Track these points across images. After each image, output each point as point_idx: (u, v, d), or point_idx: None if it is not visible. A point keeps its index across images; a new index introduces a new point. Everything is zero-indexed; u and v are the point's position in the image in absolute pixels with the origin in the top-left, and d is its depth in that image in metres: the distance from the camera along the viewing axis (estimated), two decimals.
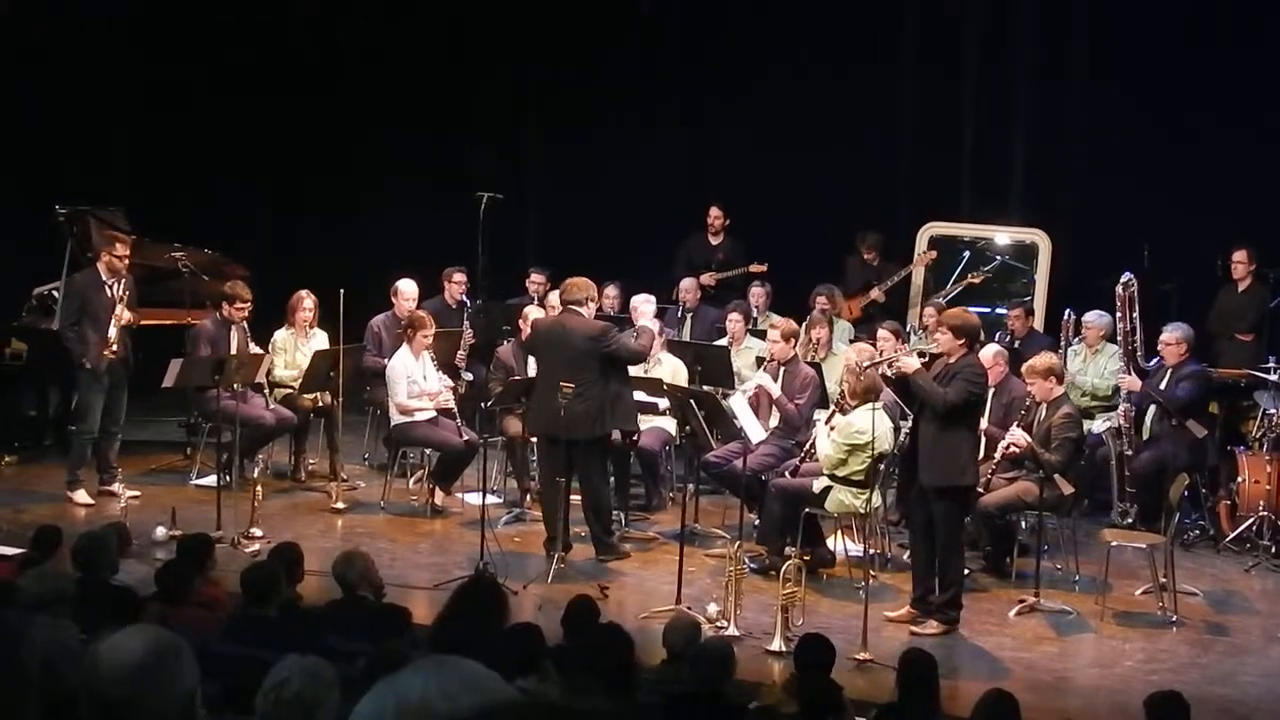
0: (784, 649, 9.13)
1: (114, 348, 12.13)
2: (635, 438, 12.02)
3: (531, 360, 12.18)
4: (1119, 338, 12.48)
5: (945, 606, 9.89)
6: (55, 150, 15.69)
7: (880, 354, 10.89)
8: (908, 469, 10.42)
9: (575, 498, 11.26)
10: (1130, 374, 12.25)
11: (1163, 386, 12.16)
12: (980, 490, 10.81)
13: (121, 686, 3.38)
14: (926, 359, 10.35)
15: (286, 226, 16.69)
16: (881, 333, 12.44)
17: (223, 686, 5.18)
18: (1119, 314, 12.42)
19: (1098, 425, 12.47)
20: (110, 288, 12.24)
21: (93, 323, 12.14)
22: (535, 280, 14.57)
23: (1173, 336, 12.22)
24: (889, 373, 10.14)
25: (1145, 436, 12.24)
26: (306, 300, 13.06)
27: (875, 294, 14.95)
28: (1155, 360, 12.35)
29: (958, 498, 9.93)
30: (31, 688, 3.60)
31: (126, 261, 12.32)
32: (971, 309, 14.60)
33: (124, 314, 12.22)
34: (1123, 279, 12.35)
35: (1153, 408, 12.18)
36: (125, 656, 3.41)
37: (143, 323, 12.85)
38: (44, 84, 15.75)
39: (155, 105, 16.88)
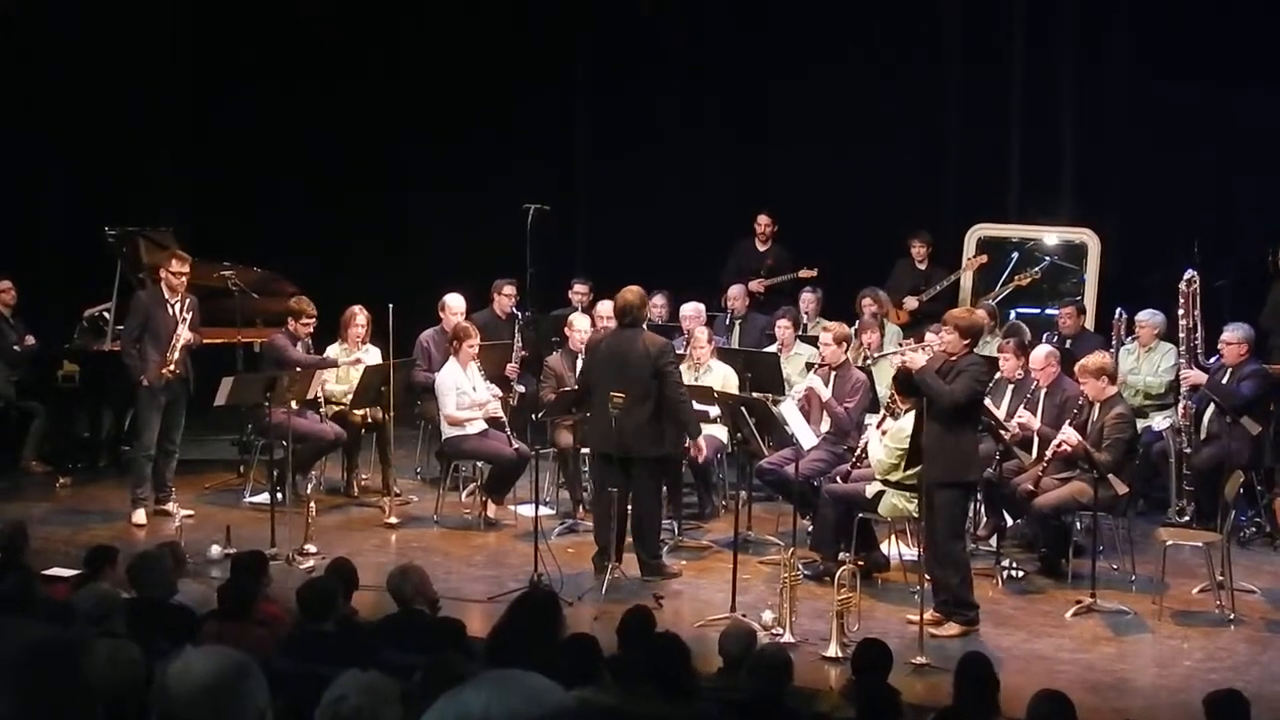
0: (840, 655, 9.11)
1: (173, 367, 12.13)
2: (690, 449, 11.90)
3: None
4: (1181, 335, 12.38)
5: (961, 607, 9.85)
6: (102, 172, 15.78)
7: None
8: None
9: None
10: (1193, 370, 12.17)
11: (1223, 384, 12.08)
12: (1031, 489, 10.80)
13: (194, 708, 3.39)
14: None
15: (335, 243, 16.74)
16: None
17: (282, 703, 5.20)
18: (1181, 311, 12.32)
19: (1158, 423, 12.41)
20: (172, 306, 12.26)
21: (154, 341, 12.14)
22: (579, 291, 14.51)
23: (1234, 336, 12.07)
24: (895, 361, 10.12)
25: (1203, 435, 12.16)
26: (359, 316, 13.09)
27: (910, 303, 14.88)
28: (1215, 359, 12.24)
29: (959, 489, 9.91)
30: (94, 707, 3.62)
31: (184, 278, 12.30)
32: (1022, 309, 14.67)
33: (184, 333, 12.21)
34: (1185, 276, 12.27)
35: (1211, 406, 12.10)
36: (196, 678, 3.42)
37: None
38: (91, 106, 15.84)
39: (203, 125, 17.00)
